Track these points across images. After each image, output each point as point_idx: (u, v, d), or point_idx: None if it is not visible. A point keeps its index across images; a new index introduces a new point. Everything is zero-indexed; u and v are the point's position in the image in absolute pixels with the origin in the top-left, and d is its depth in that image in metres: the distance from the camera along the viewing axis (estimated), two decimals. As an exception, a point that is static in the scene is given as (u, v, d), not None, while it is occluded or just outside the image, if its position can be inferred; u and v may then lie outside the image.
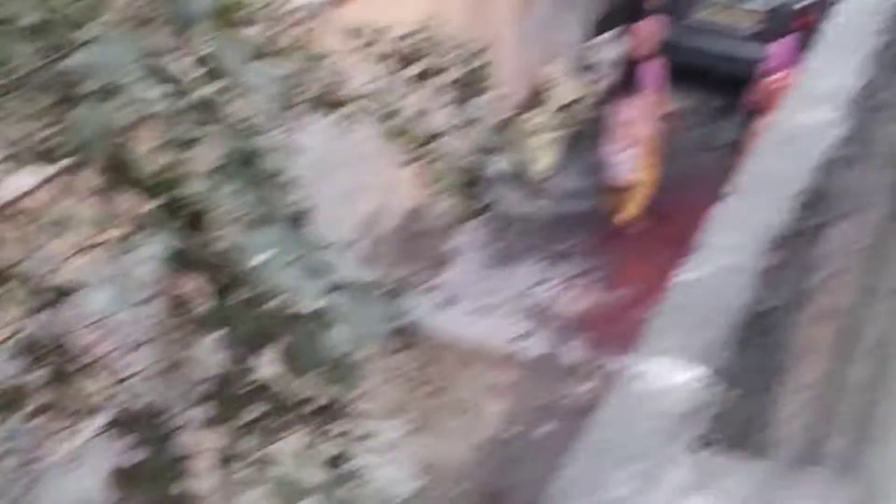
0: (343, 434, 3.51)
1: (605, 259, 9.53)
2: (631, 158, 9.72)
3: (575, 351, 8.34)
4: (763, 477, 3.28)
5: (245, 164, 3.13)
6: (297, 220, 3.23)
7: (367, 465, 3.41)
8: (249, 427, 3.46)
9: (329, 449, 3.46)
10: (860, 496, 3.93)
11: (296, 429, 3.52)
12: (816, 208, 4.60)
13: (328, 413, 3.54)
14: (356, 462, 3.46)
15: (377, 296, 3.13)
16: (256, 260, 3.00)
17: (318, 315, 2.98)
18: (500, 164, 3.48)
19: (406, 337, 4.13)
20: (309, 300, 3.00)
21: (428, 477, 3.24)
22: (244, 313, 3.14)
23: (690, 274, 3.91)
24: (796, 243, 4.40)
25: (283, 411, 3.46)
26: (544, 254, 9.52)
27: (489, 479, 7.01)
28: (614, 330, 8.52)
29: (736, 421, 3.88)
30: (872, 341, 5.90)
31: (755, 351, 4.04)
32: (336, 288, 3.05)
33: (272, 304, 3.04)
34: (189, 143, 3.07)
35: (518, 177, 3.49)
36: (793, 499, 3.20)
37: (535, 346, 8.36)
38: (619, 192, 9.92)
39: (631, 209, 9.83)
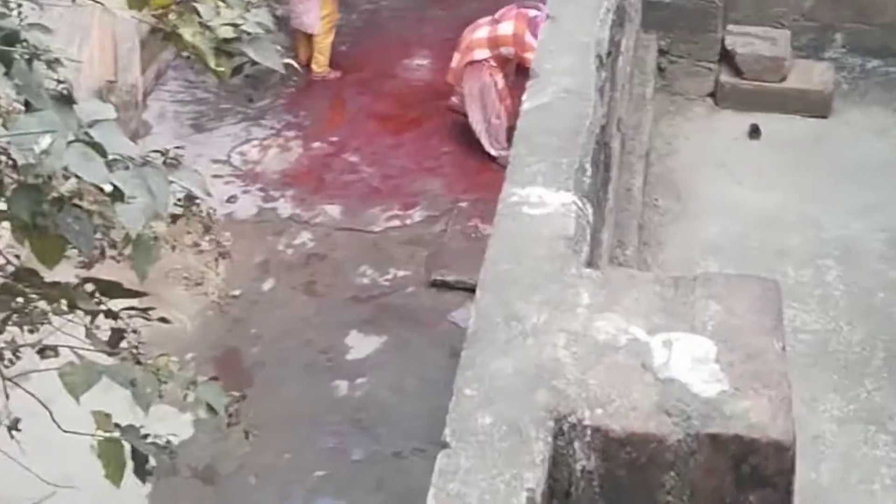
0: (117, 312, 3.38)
1: (303, 111, 9.43)
2: (314, 8, 9.63)
3: (286, 205, 8.27)
4: (654, 289, 3.35)
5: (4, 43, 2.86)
6: (64, 99, 3.01)
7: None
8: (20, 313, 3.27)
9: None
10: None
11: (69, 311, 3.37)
12: (620, 25, 4.70)
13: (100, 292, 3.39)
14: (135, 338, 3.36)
15: (156, 169, 3.02)
16: (38, 145, 2.78)
17: (110, 195, 2.83)
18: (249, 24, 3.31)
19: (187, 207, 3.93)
20: (96, 180, 2.83)
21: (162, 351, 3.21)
22: (26, 200, 2.91)
23: (535, 100, 3.92)
24: (610, 60, 4.49)
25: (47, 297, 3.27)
26: (243, 113, 9.31)
27: (217, 342, 6.91)
28: (321, 180, 8.53)
29: (595, 237, 3.98)
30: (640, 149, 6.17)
31: (598, 168, 4.14)
32: (116, 165, 2.91)
33: (54, 188, 2.86)
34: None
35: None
36: (692, 306, 3.28)
37: (247, 205, 8.23)
38: (306, 43, 9.85)
39: (319, 59, 9.79)
